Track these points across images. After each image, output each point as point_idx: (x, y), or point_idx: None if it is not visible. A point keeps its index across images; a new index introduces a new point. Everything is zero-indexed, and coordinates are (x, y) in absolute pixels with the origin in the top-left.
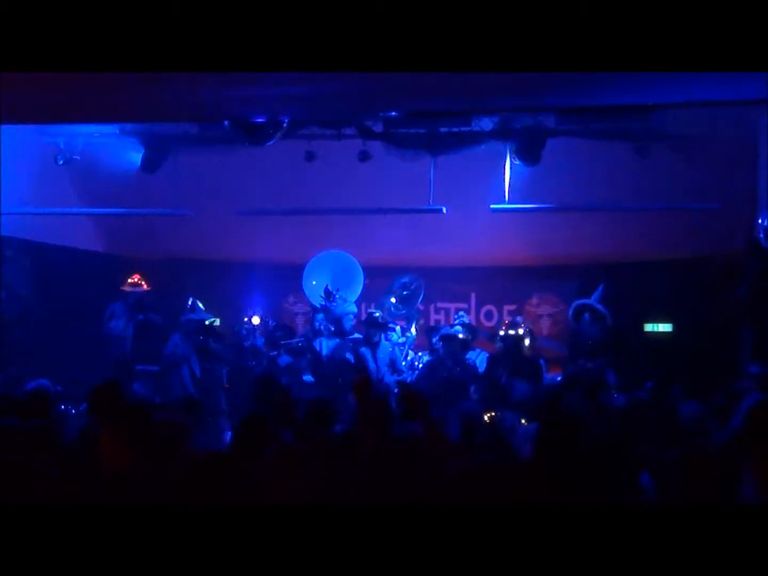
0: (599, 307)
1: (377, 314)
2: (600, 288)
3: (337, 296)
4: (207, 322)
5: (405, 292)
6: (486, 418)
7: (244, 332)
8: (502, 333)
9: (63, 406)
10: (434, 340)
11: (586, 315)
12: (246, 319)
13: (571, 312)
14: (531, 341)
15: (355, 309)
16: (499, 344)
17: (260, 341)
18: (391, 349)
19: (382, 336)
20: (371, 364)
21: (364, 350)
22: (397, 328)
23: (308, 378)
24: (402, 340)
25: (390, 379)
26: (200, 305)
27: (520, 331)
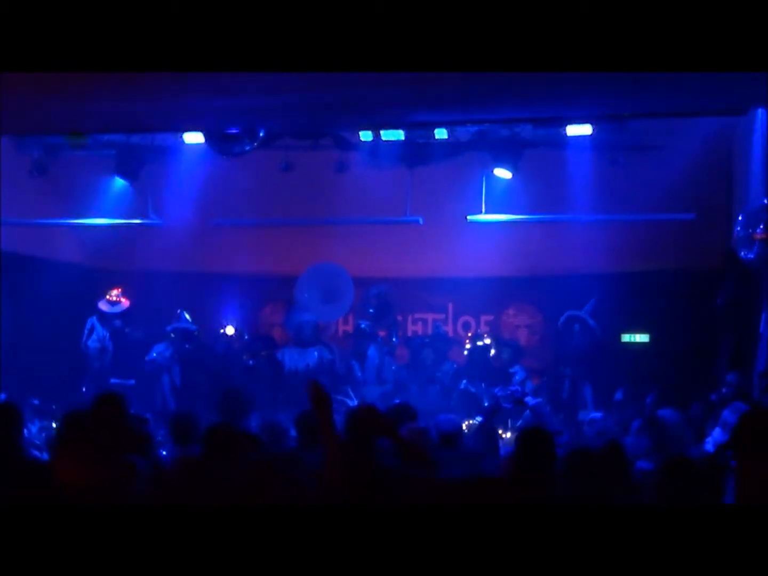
0: (590, 321)
1: (364, 325)
2: (592, 301)
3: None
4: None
5: (373, 306)
6: (464, 426)
7: (220, 342)
8: (468, 345)
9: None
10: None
11: (576, 326)
12: (222, 331)
13: (561, 320)
14: (497, 351)
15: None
16: (466, 354)
17: (235, 350)
18: (378, 360)
19: (370, 347)
20: (359, 375)
21: (351, 359)
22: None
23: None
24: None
25: (373, 391)
26: (187, 316)
27: (487, 341)
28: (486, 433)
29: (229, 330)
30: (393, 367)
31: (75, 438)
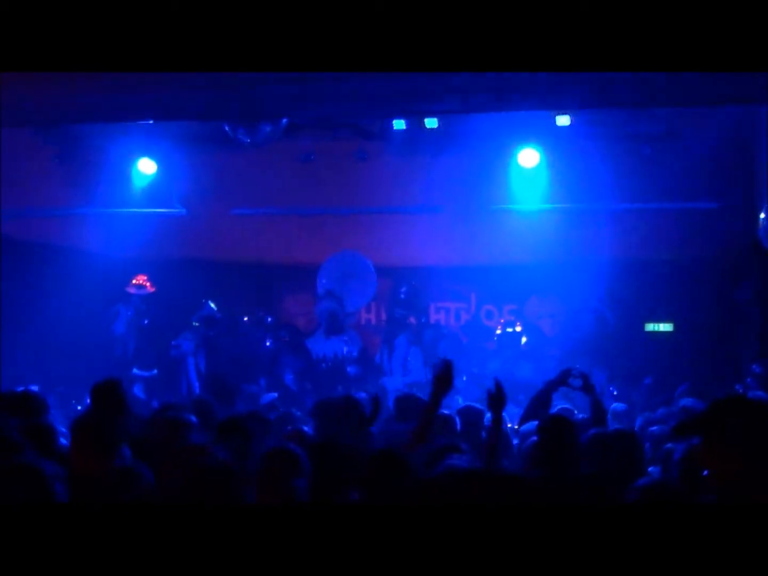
0: (605, 310)
1: (398, 313)
2: (605, 290)
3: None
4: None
5: (404, 294)
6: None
7: (243, 330)
8: (498, 331)
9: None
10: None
11: (591, 316)
12: (245, 318)
13: (575, 311)
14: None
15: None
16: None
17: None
18: (405, 349)
19: (400, 335)
20: (386, 363)
21: (380, 348)
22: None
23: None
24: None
25: (397, 381)
26: (212, 305)
27: (518, 329)
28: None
29: (249, 323)
30: (419, 357)
31: (83, 432)
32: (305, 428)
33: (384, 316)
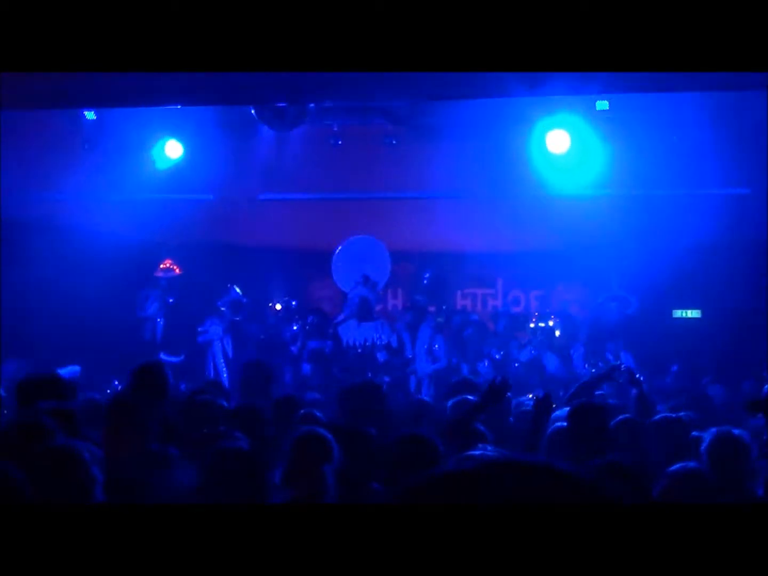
0: (625, 294)
1: (420, 300)
2: (619, 275)
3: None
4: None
5: (427, 280)
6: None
7: (270, 316)
8: (532, 324)
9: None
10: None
11: (613, 303)
12: (270, 305)
13: (597, 301)
14: (562, 329)
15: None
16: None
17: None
18: (429, 335)
19: (423, 321)
20: (409, 349)
21: (403, 335)
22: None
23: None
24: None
25: (424, 366)
26: (237, 289)
27: (551, 323)
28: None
29: (277, 307)
30: (441, 345)
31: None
32: (317, 413)
33: (408, 303)
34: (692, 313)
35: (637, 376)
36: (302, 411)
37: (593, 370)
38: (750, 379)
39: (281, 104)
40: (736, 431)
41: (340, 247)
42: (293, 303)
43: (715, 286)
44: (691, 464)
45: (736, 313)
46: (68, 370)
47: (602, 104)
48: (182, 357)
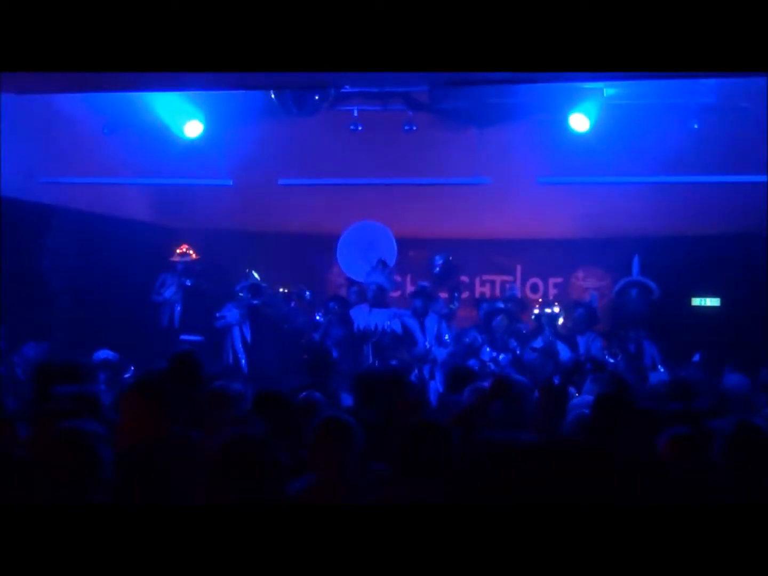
0: (646, 281)
1: (426, 286)
2: (636, 260)
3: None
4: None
5: (438, 267)
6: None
7: (287, 302)
8: (536, 311)
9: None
10: (481, 314)
11: (634, 291)
12: (281, 290)
13: (617, 289)
14: (566, 317)
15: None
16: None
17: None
18: (437, 322)
19: (430, 307)
20: (419, 336)
21: (413, 321)
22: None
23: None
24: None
25: (437, 351)
26: (255, 274)
27: (556, 309)
28: (559, 393)
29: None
30: (452, 332)
31: (148, 397)
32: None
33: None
34: (711, 302)
35: (610, 359)
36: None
37: (612, 360)
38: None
39: (301, 89)
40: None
41: (344, 233)
42: (307, 292)
43: (734, 274)
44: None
45: (755, 302)
46: (102, 354)
47: (609, 91)
48: (202, 338)
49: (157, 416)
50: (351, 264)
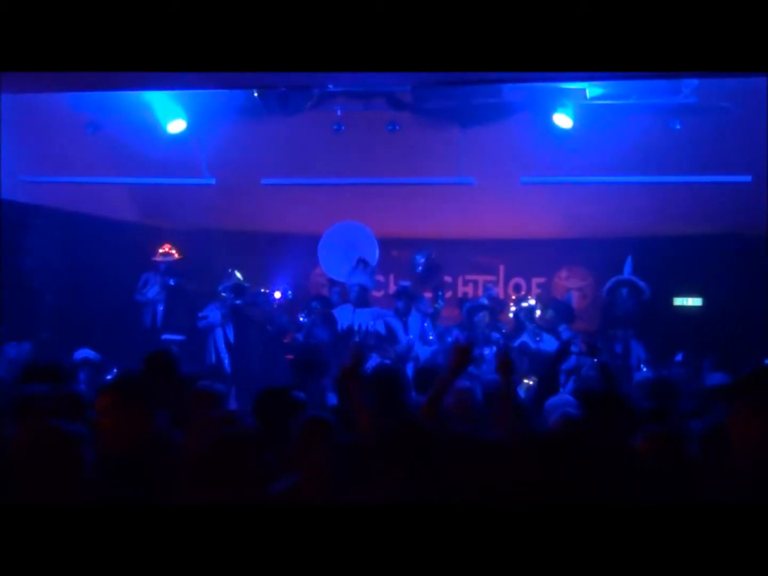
0: (637, 281)
1: (406, 285)
2: (629, 260)
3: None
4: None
5: (421, 266)
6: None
7: (268, 303)
8: (513, 307)
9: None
10: (463, 312)
11: (624, 290)
12: (263, 290)
13: (608, 287)
14: (543, 311)
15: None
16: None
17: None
18: (421, 321)
19: (413, 306)
20: (402, 335)
21: (396, 321)
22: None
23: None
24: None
25: (421, 350)
26: (238, 274)
27: (531, 302)
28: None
29: (276, 295)
30: (436, 330)
31: (125, 398)
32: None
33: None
34: (693, 301)
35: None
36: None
37: (594, 360)
38: (751, 366)
39: (285, 88)
40: None
41: (324, 234)
42: (289, 292)
43: (716, 274)
44: None
45: (737, 301)
46: (82, 353)
47: (593, 91)
48: (184, 337)
49: (135, 416)
50: (332, 265)
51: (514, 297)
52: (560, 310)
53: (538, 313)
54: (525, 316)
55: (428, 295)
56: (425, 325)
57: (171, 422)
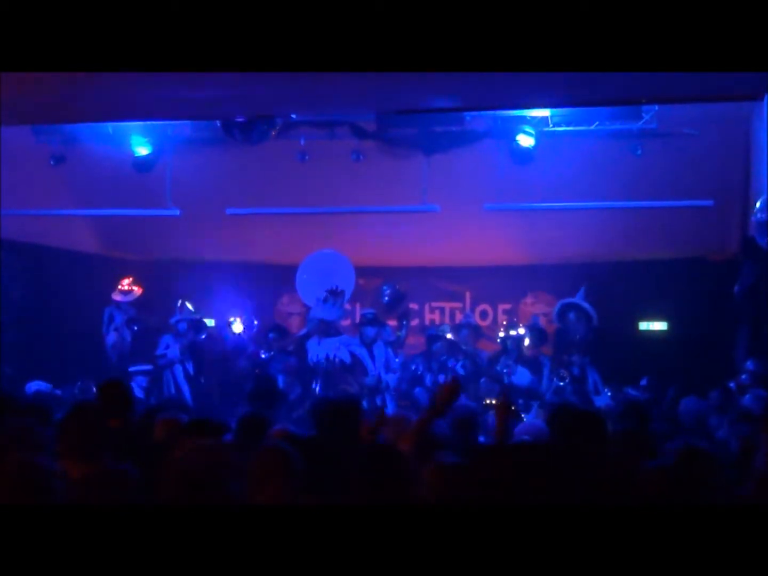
0: (585, 305)
1: (369, 314)
2: (583, 288)
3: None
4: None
5: (387, 296)
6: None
7: (230, 336)
8: (501, 334)
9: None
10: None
11: (571, 314)
12: (230, 320)
13: (556, 311)
14: (531, 340)
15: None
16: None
17: (247, 342)
18: (385, 349)
19: (378, 335)
20: (369, 364)
21: (361, 350)
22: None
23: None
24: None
25: (387, 377)
26: (189, 306)
27: (521, 331)
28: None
29: (237, 327)
30: (398, 359)
31: (78, 430)
32: (291, 427)
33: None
34: (658, 326)
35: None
36: (276, 426)
37: (561, 384)
38: (717, 390)
39: (248, 119)
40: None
41: (303, 262)
42: (255, 322)
43: (681, 298)
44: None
45: (701, 325)
46: (35, 386)
47: (555, 118)
48: (150, 367)
49: (88, 448)
50: (311, 293)
51: (504, 322)
52: (534, 334)
53: (527, 342)
54: (512, 345)
55: (393, 323)
56: (388, 353)
57: (124, 453)
